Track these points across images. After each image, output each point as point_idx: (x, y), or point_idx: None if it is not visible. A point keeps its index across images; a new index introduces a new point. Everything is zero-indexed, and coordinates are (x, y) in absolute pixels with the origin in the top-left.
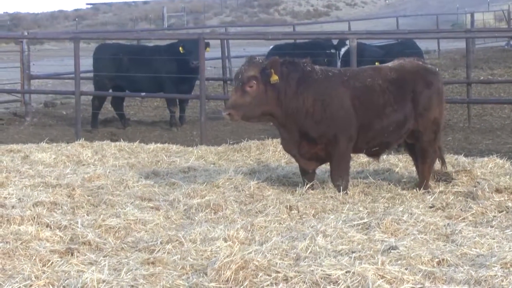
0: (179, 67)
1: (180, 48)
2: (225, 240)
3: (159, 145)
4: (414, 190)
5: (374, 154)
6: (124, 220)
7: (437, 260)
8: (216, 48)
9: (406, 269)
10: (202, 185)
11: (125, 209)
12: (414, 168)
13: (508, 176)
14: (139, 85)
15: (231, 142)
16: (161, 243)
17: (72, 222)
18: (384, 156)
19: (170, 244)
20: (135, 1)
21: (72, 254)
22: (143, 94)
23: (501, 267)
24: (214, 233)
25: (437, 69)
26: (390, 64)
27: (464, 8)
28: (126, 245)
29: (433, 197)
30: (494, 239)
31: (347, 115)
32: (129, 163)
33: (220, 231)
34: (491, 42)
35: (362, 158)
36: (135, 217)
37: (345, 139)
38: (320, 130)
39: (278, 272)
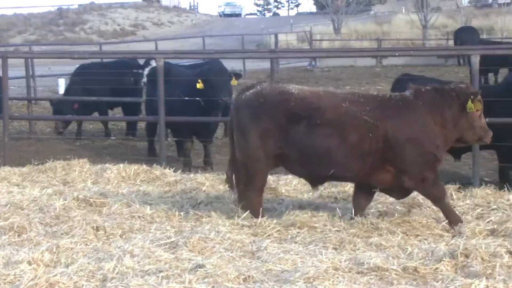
0: None
1: None
2: (29, 263)
3: None
4: (223, 208)
5: None
6: None
7: (243, 277)
8: (20, 67)
9: (213, 287)
10: (5, 207)
11: None
12: (221, 187)
13: (311, 193)
14: None
15: (35, 163)
16: None
17: None
18: (191, 175)
19: None
20: None
21: None
22: None
23: (305, 282)
24: (17, 256)
25: None
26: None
27: (268, 29)
28: None
29: (239, 215)
30: (298, 254)
31: None
32: None
33: (24, 254)
34: (295, 62)
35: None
36: None
37: None
38: None
39: None
